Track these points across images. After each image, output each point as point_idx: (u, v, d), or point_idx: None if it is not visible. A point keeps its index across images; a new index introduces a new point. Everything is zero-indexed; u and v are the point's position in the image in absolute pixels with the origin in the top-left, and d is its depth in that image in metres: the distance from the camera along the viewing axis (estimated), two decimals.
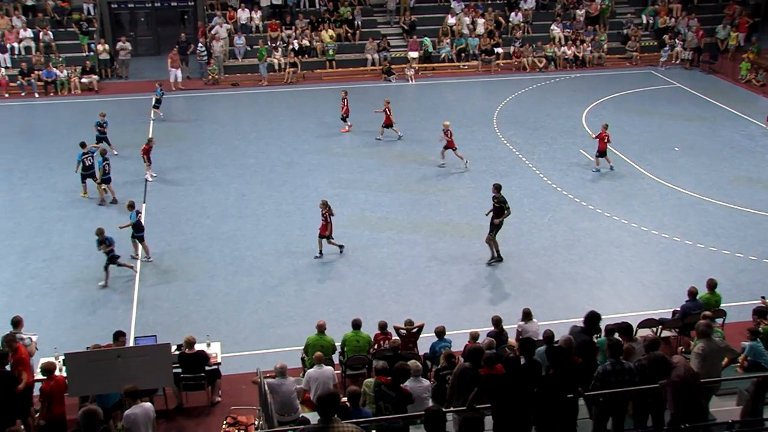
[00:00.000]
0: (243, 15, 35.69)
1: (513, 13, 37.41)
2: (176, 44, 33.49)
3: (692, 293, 14.56)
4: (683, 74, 34.91)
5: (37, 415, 11.93)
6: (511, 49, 35.89)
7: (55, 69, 31.72)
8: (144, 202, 21.48)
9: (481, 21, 36.59)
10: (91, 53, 33.48)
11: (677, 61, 36.22)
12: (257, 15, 35.93)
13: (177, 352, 13.13)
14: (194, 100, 31.25)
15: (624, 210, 21.14)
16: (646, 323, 14.44)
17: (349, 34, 35.98)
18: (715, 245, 19.21)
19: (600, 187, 22.71)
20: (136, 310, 16.55)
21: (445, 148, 23.85)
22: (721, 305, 14.83)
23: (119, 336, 12.97)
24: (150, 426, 10.55)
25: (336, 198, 21.55)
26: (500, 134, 27.11)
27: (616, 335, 11.21)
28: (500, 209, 17.88)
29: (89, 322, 16.01)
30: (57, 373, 11.99)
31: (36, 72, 31.61)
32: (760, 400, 10.27)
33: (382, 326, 13.87)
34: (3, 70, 31.81)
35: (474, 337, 12.94)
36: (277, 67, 33.93)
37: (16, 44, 32.97)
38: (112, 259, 17.30)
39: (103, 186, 21.35)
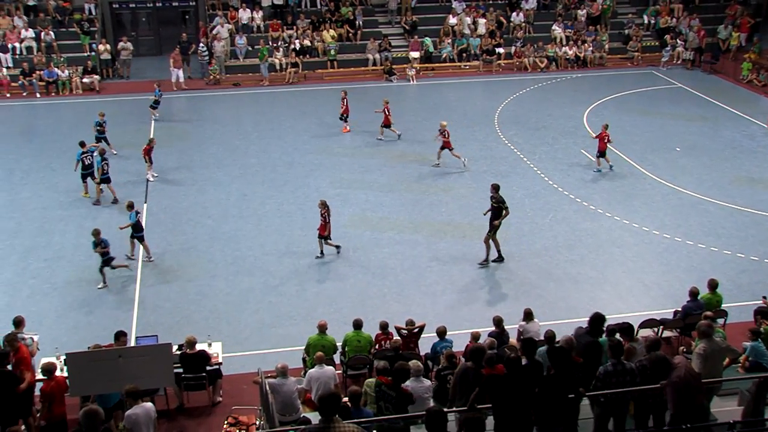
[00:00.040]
0: (244, 15, 35.71)
1: (514, 13, 37.41)
2: (177, 44, 33.51)
3: (693, 293, 14.56)
4: (684, 74, 34.90)
5: (38, 415, 11.93)
6: (513, 49, 35.90)
7: (56, 69, 31.74)
8: (145, 202, 21.49)
9: (482, 21, 36.58)
10: (93, 53, 33.50)
11: (678, 62, 36.21)
12: (258, 15, 35.95)
13: (178, 352, 13.14)
14: (195, 100, 31.26)
15: (625, 210, 21.13)
16: (648, 323, 14.43)
17: (350, 34, 35.99)
18: (717, 245, 19.20)
19: (601, 188, 22.70)
20: (137, 310, 16.55)
21: (442, 148, 23.86)
22: (723, 305, 14.82)
23: (120, 336, 12.98)
24: (151, 426, 10.55)
25: (337, 198, 21.58)
26: (501, 134, 27.11)
27: (617, 335, 11.21)
28: (499, 209, 17.87)
29: (90, 322, 16.02)
30: (57, 373, 11.99)
31: (37, 72, 31.63)
32: (761, 401, 10.27)
33: (383, 326, 13.86)
34: (4, 70, 31.84)
35: (475, 337, 12.93)
36: (278, 67, 33.93)
37: (17, 44, 33.00)
38: (107, 261, 17.27)
39: (102, 186, 21.36)
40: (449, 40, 36.12)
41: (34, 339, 13.45)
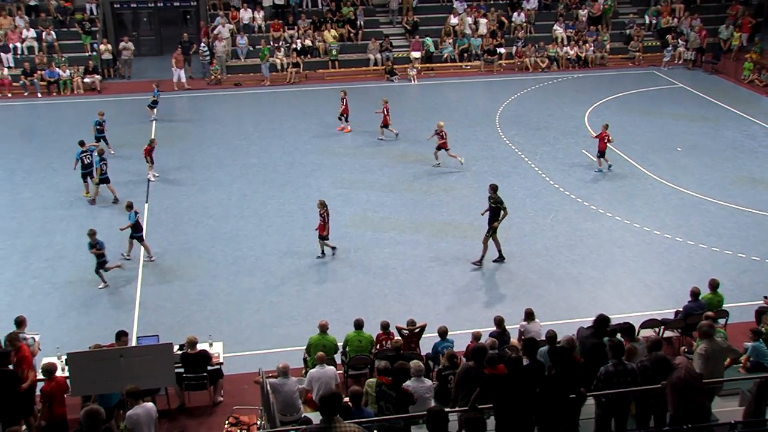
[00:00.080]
0: (245, 15, 35.72)
1: (515, 13, 37.41)
2: (179, 44, 33.52)
3: (694, 293, 14.55)
4: (686, 74, 34.89)
5: (38, 415, 11.93)
6: (514, 49, 35.91)
7: (57, 69, 31.76)
8: (146, 202, 21.51)
9: (483, 21, 36.58)
10: (94, 53, 33.52)
11: (680, 62, 36.20)
12: (260, 15, 35.96)
13: (179, 352, 13.14)
14: (196, 100, 31.28)
15: (626, 210, 21.12)
16: (649, 323, 14.42)
17: (351, 34, 35.99)
18: (718, 245, 19.19)
19: (602, 188, 22.69)
20: (138, 309, 16.56)
21: (438, 148, 23.87)
22: (724, 306, 14.81)
23: (121, 336, 12.98)
24: (152, 426, 10.56)
25: (338, 198, 21.59)
26: (502, 134, 27.11)
27: (618, 335, 11.20)
28: (497, 210, 17.84)
29: (91, 322, 16.02)
30: (58, 373, 12.00)
31: (39, 72, 31.67)
32: (762, 401, 10.26)
33: (385, 326, 13.85)
34: (6, 70, 31.85)
35: (476, 337, 12.93)
36: (279, 67, 33.94)
37: (19, 44, 33.03)
38: (101, 264, 17.26)
39: (101, 186, 21.34)
40: (450, 40, 36.12)
41: (35, 339, 13.45)
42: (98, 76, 32.56)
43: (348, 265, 18.38)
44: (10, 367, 11.79)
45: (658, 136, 26.84)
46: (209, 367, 13.25)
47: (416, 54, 35.03)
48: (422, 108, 29.98)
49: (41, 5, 34.89)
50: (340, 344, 13.71)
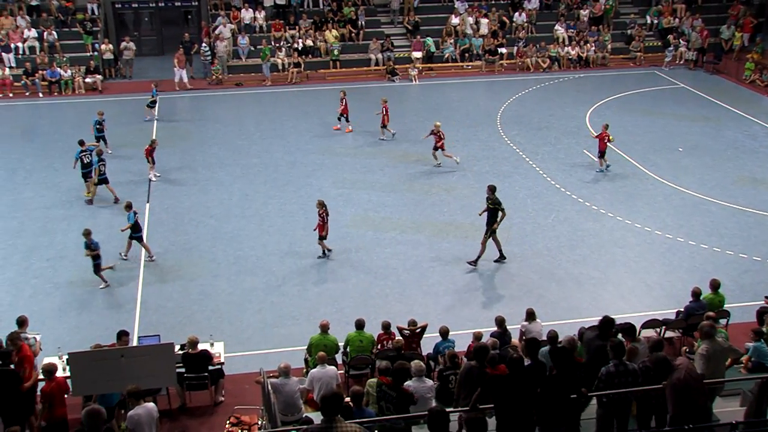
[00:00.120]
0: (247, 15, 35.72)
1: (517, 14, 37.40)
2: (180, 44, 33.54)
3: (696, 294, 14.55)
4: (687, 74, 34.87)
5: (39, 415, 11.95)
6: (515, 49, 35.90)
7: (59, 69, 31.78)
8: (147, 202, 21.52)
9: (484, 21, 36.58)
10: (95, 53, 33.54)
11: (681, 62, 36.17)
12: (261, 15, 35.96)
13: (180, 352, 13.13)
14: (198, 100, 31.29)
15: (627, 210, 21.11)
16: (650, 324, 14.42)
17: (352, 34, 36.00)
18: (719, 246, 19.18)
19: (603, 188, 22.68)
20: (139, 309, 16.57)
21: (435, 148, 23.88)
22: (725, 306, 14.81)
23: (122, 335, 12.99)
24: (153, 426, 10.56)
25: (339, 198, 21.61)
26: (504, 134, 27.10)
27: (619, 336, 11.20)
28: (494, 211, 17.81)
29: (93, 322, 16.03)
30: (59, 373, 12.00)
31: (40, 72, 31.68)
32: (764, 401, 10.24)
33: (386, 326, 13.85)
34: (7, 69, 31.85)
35: (477, 337, 12.93)
36: (280, 67, 33.94)
37: (20, 44, 33.05)
38: (98, 266, 17.23)
39: (100, 186, 21.32)
40: (452, 40, 36.12)
41: (36, 339, 13.47)
42: (99, 76, 32.57)
43: (349, 265, 18.38)
44: (11, 366, 11.82)
45: (660, 137, 26.83)
46: (210, 367, 13.26)
47: (417, 54, 35.02)
48: (423, 108, 29.97)
49: (43, 5, 34.91)
50: (341, 344, 13.70)
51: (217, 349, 13.82)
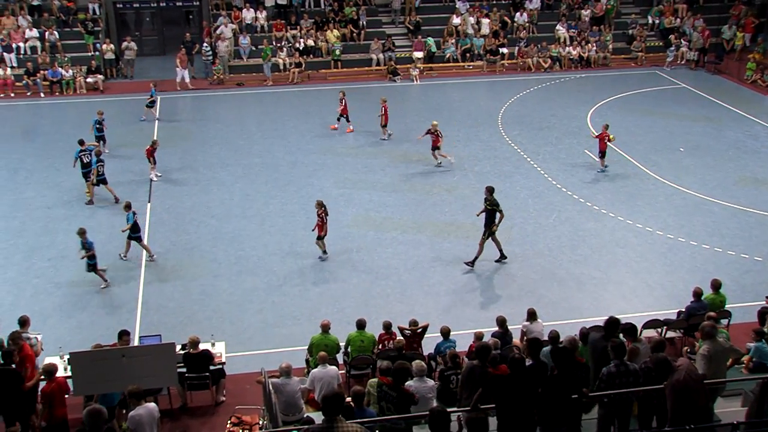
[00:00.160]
0: (248, 15, 35.72)
1: (518, 14, 37.38)
2: (181, 44, 33.55)
3: (697, 294, 14.54)
4: (688, 74, 34.85)
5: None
6: (516, 49, 35.88)
7: (60, 69, 31.79)
8: (149, 202, 21.53)
9: (485, 21, 36.57)
10: (97, 53, 33.55)
11: (683, 62, 36.14)
12: (262, 15, 35.96)
13: (182, 352, 13.13)
14: (199, 100, 31.30)
15: (629, 210, 21.10)
16: (651, 324, 14.42)
17: (354, 34, 36.00)
18: (720, 246, 19.17)
19: (605, 188, 22.67)
20: (140, 309, 16.58)
21: (433, 148, 23.88)
22: (726, 306, 14.80)
23: (123, 335, 13.00)
24: (155, 426, 10.56)
25: (340, 198, 21.62)
26: (505, 134, 27.10)
27: (621, 336, 11.18)
28: (492, 212, 17.79)
29: (94, 322, 16.04)
30: (60, 373, 12.01)
31: (41, 72, 31.70)
32: (765, 401, 10.24)
33: (387, 326, 13.85)
34: (9, 69, 31.88)
35: (479, 337, 12.94)
36: (281, 67, 33.94)
37: (21, 44, 33.08)
38: (93, 266, 17.19)
39: (98, 186, 21.30)
40: (453, 40, 36.11)
41: (38, 339, 13.48)
42: (101, 76, 32.58)
43: (350, 265, 18.38)
44: (13, 366, 11.84)
45: (661, 137, 26.81)
46: (211, 367, 13.26)
47: (419, 54, 35.02)
48: (424, 108, 29.96)
49: (44, 5, 34.93)
50: (342, 344, 13.70)
51: (218, 349, 13.82)
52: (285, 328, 15.88)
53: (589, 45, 36.12)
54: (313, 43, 34.99)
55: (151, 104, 28.32)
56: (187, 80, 32.24)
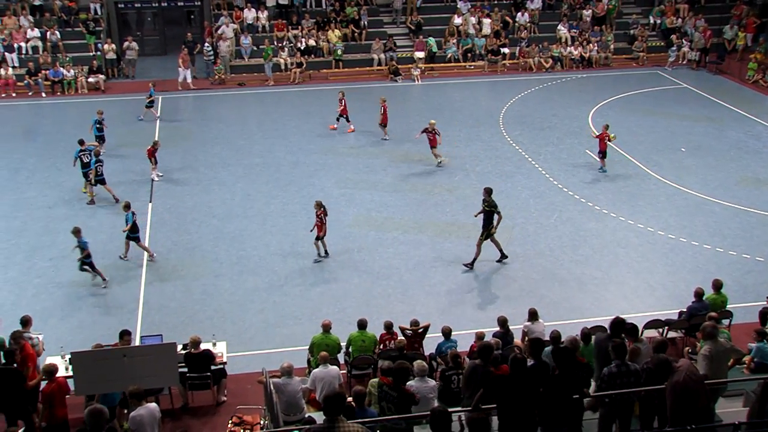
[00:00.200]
0: (249, 15, 35.72)
1: (519, 14, 37.38)
2: (183, 44, 33.56)
3: (698, 294, 14.53)
4: (690, 75, 34.83)
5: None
6: (518, 49, 35.86)
7: (62, 68, 31.82)
8: (150, 202, 21.54)
9: (487, 21, 36.56)
10: (98, 53, 33.59)
11: (684, 62, 36.12)
12: (263, 15, 35.97)
13: (183, 352, 13.14)
14: (200, 100, 31.32)
15: (630, 210, 21.09)
16: (652, 324, 14.41)
17: (355, 34, 36.00)
18: (722, 246, 19.16)
19: (606, 188, 22.66)
20: (141, 309, 16.58)
21: (432, 147, 23.87)
22: (728, 306, 14.79)
23: (124, 335, 13.00)
24: (156, 426, 10.55)
25: (342, 198, 21.62)
26: (506, 134, 27.09)
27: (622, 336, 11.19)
28: (490, 213, 17.77)
29: (95, 321, 16.04)
30: (61, 372, 12.01)
31: (43, 71, 31.72)
32: (766, 402, 10.22)
33: (388, 326, 13.85)
34: (10, 69, 31.90)
35: (480, 337, 12.93)
36: (283, 67, 33.95)
37: (23, 44, 33.10)
38: (91, 265, 17.18)
39: (97, 186, 21.31)
40: (454, 40, 36.11)
41: (39, 338, 13.49)
42: (102, 76, 32.61)
43: (351, 265, 18.38)
44: (14, 365, 11.86)
45: (662, 137, 26.80)
46: (213, 367, 13.27)
47: (420, 54, 35.01)
48: (426, 108, 29.95)
49: (46, 5, 34.96)
50: (343, 344, 13.70)
51: (220, 349, 13.82)
52: (286, 328, 15.88)
53: (591, 45, 36.10)
54: (314, 43, 35.00)
55: (151, 104, 28.33)
56: (189, 80, 32.25)
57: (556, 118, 28.75)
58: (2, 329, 13.75)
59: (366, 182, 23.01)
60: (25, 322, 13.34)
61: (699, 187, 22.57)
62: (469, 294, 17.27)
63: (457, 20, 36.60)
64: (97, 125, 24.41)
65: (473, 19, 36.59)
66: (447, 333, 13.54)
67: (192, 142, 26.33)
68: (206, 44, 33.89)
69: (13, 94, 31.23)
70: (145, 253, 18.48)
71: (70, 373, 12.16)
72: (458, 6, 37.26)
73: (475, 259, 18.13)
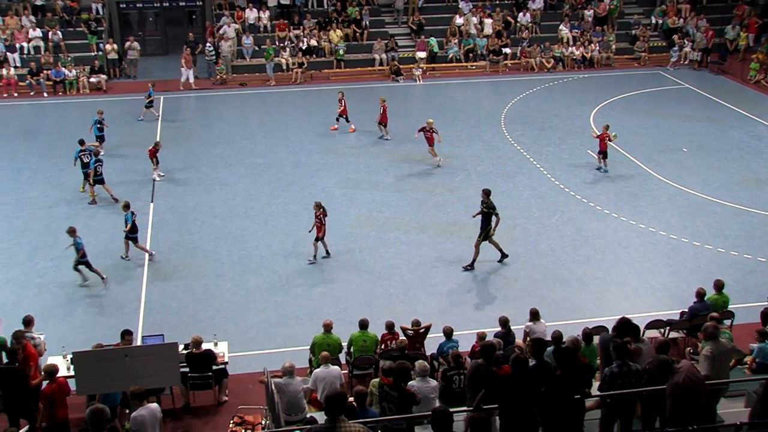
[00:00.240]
0: (251, 15, 35.74)
1: (521, 14, 37.36)
2: (185, 44, 33.57)
3: (700, 294, 14.52)
4: (692, 75, 34.80)
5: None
6: (519, 49, 35.85)
7: (63, 68, 31.85)
8: (152, 202, 21.55)
9: (488, 21, 36.55)
10: (100, 53, 33.62)
11: (686, 62, 36.09)
12: (265, 15, 35.98)
13: (184, 352, 13.15)
14: (202, 100, 31.33)
15: (632, 211, 21.08)
16: (654, 324, 14.40)
17: (357, 34, 36.00)
18: (724, 246, 19.14)
19: (607, 188, 22.65)
20: (143, 309, 16.59)
21: (431, 146, 23.88)
22: (729, 307, 14.78)
23: (126, 335, 13.02)
24: (157, 426, 10.56)
25: (343, 198, 21.63)
26: (508, 134, 27.08)
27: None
28: (488, 215, 17.76)
29: (97, 321, 16.06)
30: (62, 372, 12.02)
31: (45, 71, 31.73)
32: None
33: (389, 326, 13.85)
34: (12, 69, 31.93)
35: (481, 337, 12.93)
36: (284, 67, 33.96)
37: (25, 44, 33.12)
38: (87, 265, 17.17)
39: (96, 186, 21.33)
40: (456, 40, 36.11)
41: (41, 338, 13.51)
42: (104, 76, 32.63)
43: (353, 265, 18.38)
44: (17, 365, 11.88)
45: (664, 137, 26.79)
46: (214, 367, 13.27)
47: (422, 54, 35.01)
48: (427, 108, 29.90)
49: (47, 5, 34.99)
50: (344, 344, 13.70)
51: (221, 349, 13.82)
52: (288, 328, 15.89)
53: (592, 45, 36.08)
54: (315, 43, 35.01)
55: (150, 104, 28.34)
56: (191, 80, 32.26)
57: (558, 118, 28.75)
58: (4, 329, 13.76)
59: (367, 182, 23.01)
60: (27, 321, 13.36)
61: (700, 188, 22.56)
62: (470, 294, 17.28)
63: (459, 20, 36.60)
64: (98, 125, 24.43)
65: (475, 19, 36.58)
66: (448, 333, 13.53)
67: (194, 142, 26.35)
68: (208, 44, 33.89)
69: (15, 94, 31.25)
70: (145, 253, 18.49)
71: (72, 373, 12.17)
72: (460, 6, 37.24)
73: (474, 261, 18.12)
